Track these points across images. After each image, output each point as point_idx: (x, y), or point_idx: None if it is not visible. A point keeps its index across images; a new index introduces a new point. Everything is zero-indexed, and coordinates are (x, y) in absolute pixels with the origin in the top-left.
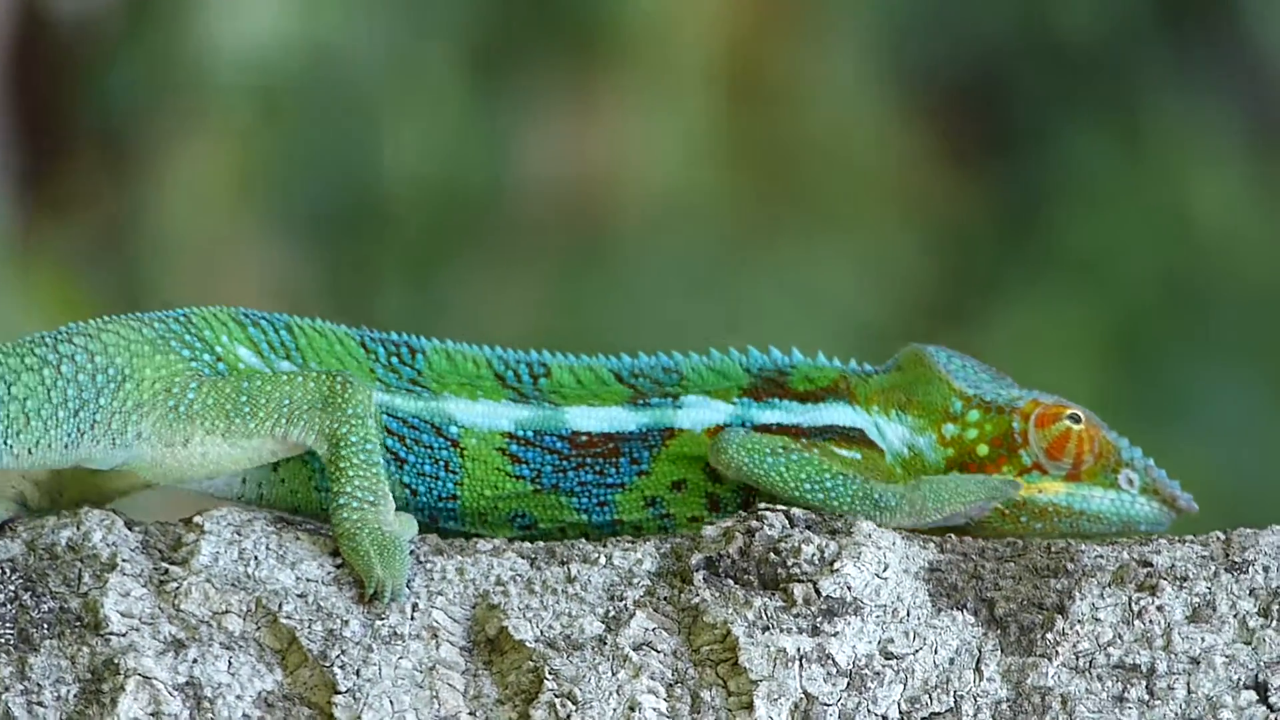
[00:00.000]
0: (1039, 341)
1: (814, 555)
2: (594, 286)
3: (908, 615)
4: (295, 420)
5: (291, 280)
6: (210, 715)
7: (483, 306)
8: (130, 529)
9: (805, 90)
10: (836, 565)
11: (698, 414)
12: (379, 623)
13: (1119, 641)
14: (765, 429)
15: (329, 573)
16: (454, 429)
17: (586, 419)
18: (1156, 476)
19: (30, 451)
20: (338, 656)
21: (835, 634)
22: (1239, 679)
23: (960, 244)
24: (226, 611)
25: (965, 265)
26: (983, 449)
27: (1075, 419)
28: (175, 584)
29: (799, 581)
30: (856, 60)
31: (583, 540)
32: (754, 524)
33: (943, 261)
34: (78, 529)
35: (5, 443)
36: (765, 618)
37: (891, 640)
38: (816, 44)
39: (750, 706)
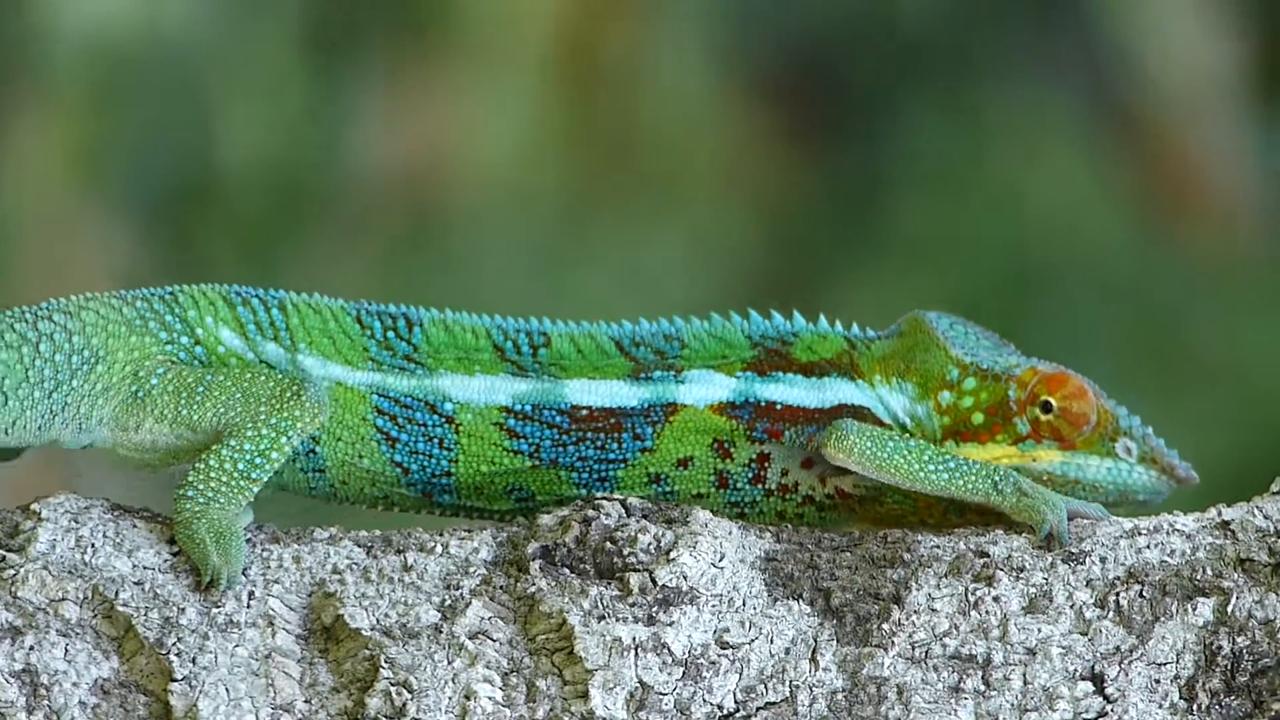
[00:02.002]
0: (875, 322)
1: (650, 544)
2: (428, 269)
3: (744, 605)
4: (231, 413)
5: (129, 260)
6: (47, 702)
7: (319, 288)
8: None
9: (642, 72)
10: (673, 554)
11: (701, 389)
12: (215, 610)
13: (955, 632)
14: (771, 407)
15: (166, 560)
16: (449, 405)
17: (586, 393)
18: (1155, 445)
19: (6, 432)
20: (174, 644)
21: (671, 623)
22: (1075, 670)
23: (798, 226)
24: (63, 599)
25: (803, 247)
26: (978, 417)
27: (1046, 407)
28: (12, 571)
29: (635, 570)
30: (694, 41)
31: (419, 529)
32: (590, 513)
33: (780, 243)
34: None
35: None
36: (601, 607)
37: (727, 630)
38: (654, 25)
39: (586, 695)
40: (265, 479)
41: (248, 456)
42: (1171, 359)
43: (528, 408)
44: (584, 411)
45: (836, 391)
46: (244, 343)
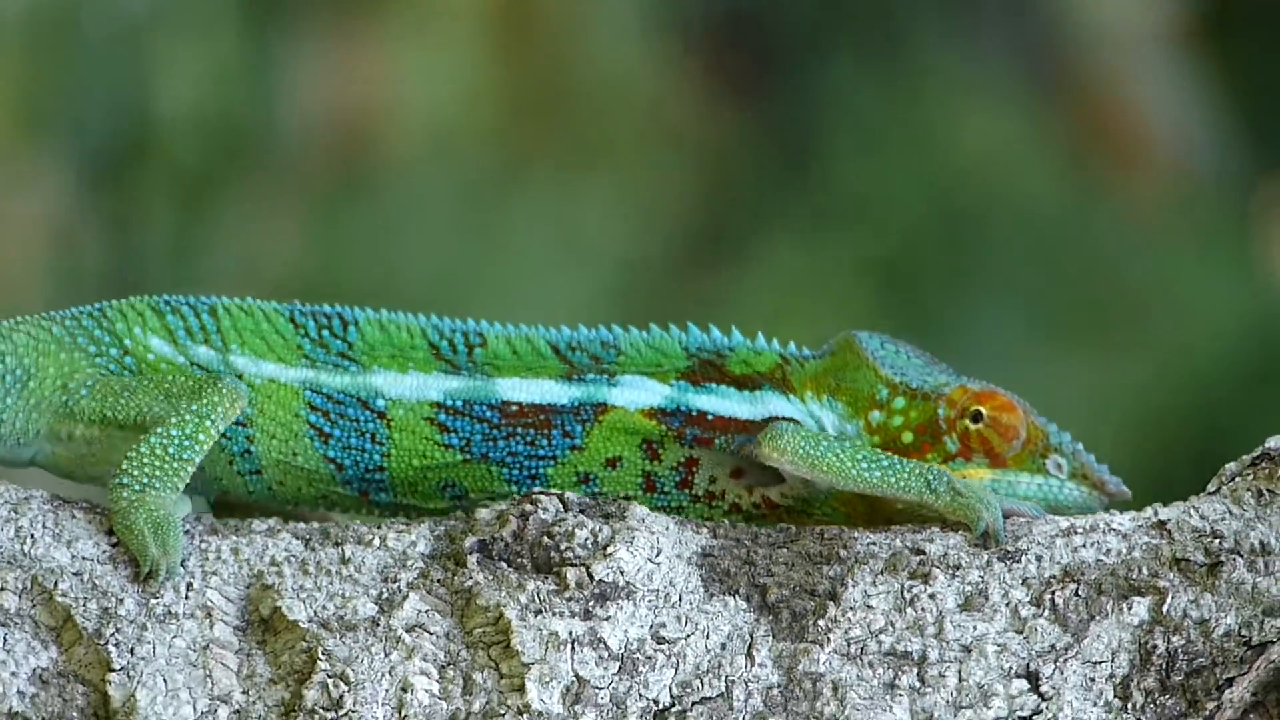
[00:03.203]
0: (808, 277)
1: (587, 539)
2: (362, 220)
3: (680, 600)
4: (157, 408)
5: (64, 215)
6: None
7: (252, 241)
8: None
9: (576, 26)
10: (609, 549)
11: (633, 393)
12: (154, 601)
13: (891, 629)
14: (703, 416)
15: (105, 551)
16: (381, 401)
17: (518, 390)
18: (1085, 461)
19: None
20: (112, 634)
21: (607, 618)
22: (1010, 668)
23: (730, 179)
24: (2, 589)
25: (735, 201)
26: (907, 436)
27: (976, 417)
28: None
29: (572, 565)
30: None
31: (357, 522)
32: (528, 507)
33: (712, 197)
34: None
35: None
36: (538, 601)
37: (663, 625)
38: None
39: (522, 689)
40: (195, 462)
41: (175, 440)
42: (1104, 309)
43: (459, 403)
44: (514, 407)
45: (768, 404)
46: (173, 348)
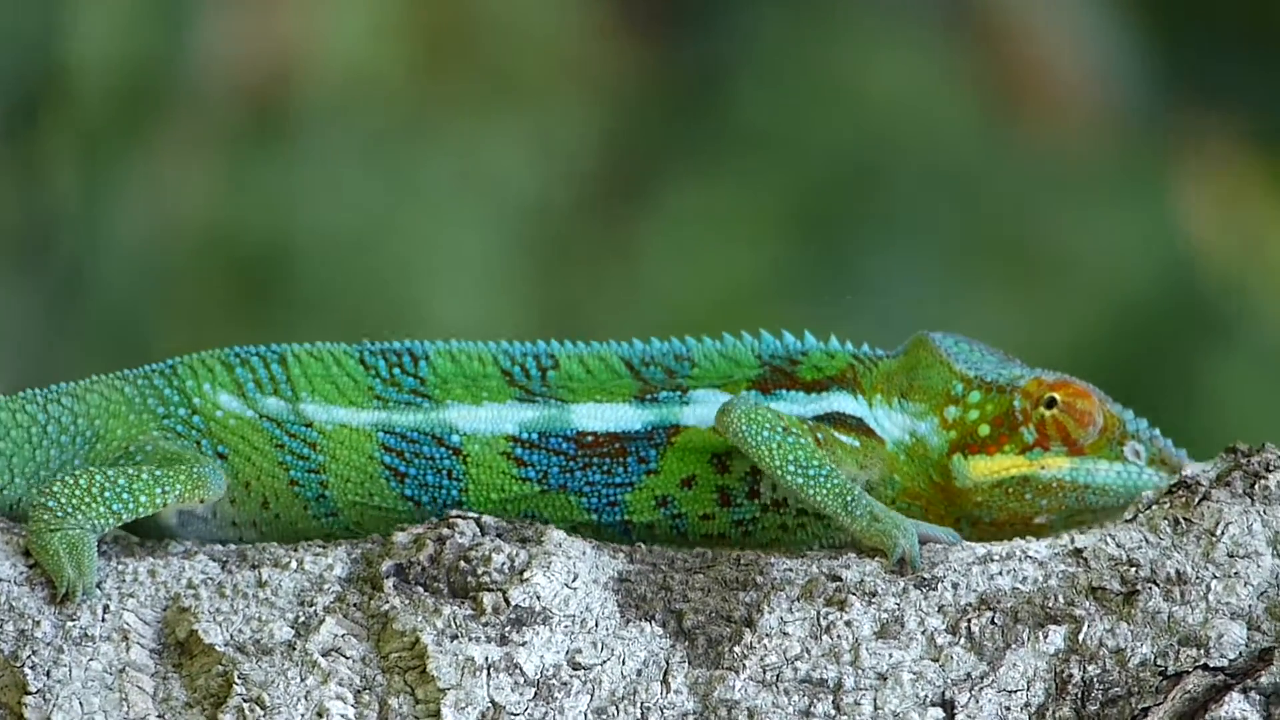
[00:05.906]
0: (716, 217)
1: (504, 564)
2: (275, 170)
3: (596, 625)
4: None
5: None
6: None
7: (164, 189)
8: None
9: None
10: (526, 574)
11: (704, 410)
12: (70, 624)
13: (806, 656)
14: None
15: (21, 573)
16: (455, 438)
17: (592, 417)
18: (1162, 446)
19: (10, 509)
20: (29, 657)
21: (524, 643)
22: (926, 696)
23: (641, 122)
24: None
25: (646, 143)
26: (984, 429)
27: (1051, 403)
28: None
29: (489, 590)
30: None
31: (274, 544)
32: (445, 531)
33: (623, 140)
34: None
35: None
36: (454, 626)
37: (579, 650)
38: None
39: (438, 715)
40: (123, 519)
41: (117, 488)
42: (1013, 252)
43: (534, 435)
44: (589, 437)
45: (831, 403)
46: (242, 403)
